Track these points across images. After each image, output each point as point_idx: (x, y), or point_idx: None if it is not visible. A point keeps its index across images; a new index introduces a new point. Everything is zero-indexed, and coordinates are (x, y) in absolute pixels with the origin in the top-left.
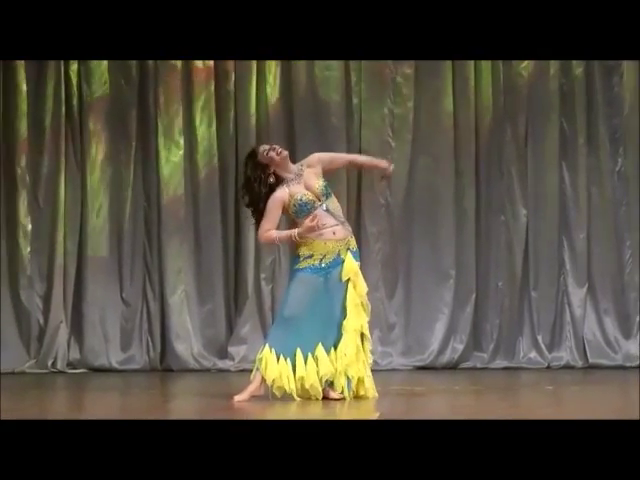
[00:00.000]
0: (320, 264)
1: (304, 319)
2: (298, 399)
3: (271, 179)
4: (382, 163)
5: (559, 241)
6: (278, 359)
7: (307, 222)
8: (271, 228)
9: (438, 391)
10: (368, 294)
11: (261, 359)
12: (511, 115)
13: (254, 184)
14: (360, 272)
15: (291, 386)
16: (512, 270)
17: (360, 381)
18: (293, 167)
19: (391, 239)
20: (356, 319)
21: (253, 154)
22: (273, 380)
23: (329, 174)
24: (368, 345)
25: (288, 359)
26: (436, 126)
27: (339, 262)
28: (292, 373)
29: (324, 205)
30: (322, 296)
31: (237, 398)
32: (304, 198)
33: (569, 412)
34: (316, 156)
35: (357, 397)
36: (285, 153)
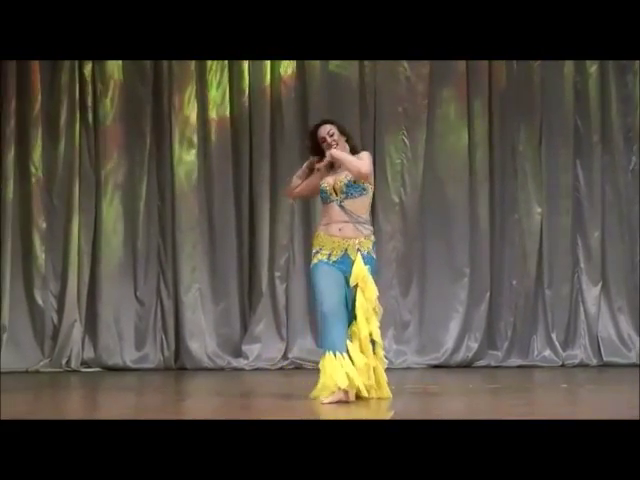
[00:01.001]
0: (328, 260)
1: (342, 308)
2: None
3: (325, 162)
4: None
5: (573, 239)
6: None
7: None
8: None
9: (452, 390)
10: (379, 297)
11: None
12: (525, 113)
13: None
14: (369, 276)
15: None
16: (526, 268)
17: (371, 387)
18: None
19: (405, 238)
20: (365, 325)
21: (314, 133)
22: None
23: None
24: (381, 351)
25: (344, 353)
26: (450, 125)
27: (349, 262)
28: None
29: (339, 201)
30: (340, 289)
31: (325, 400)
32: (323, 186)
33: (584, 411)
34: (362, 154)
35: (363, 398)
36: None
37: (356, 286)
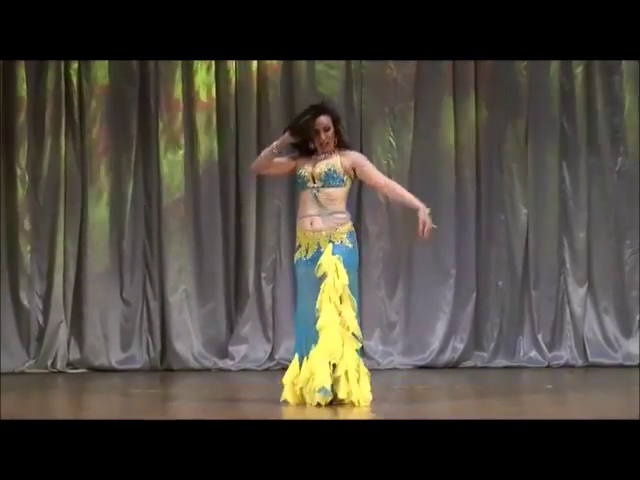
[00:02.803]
0: (306, 256)
1: (311, 319)
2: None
3: (311, 146)
4: (414, 203)
5: (559, 240)
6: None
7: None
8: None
9: (439, 391)
10: (364, 297)
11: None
12: (512, 114)
13: (296, 132)
14: (340, 264)
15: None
16: (512, 269)
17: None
18: (332, 148)
19: (391, 238)
20: (327, 313)
21: (312, 120)
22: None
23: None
24: (354, 344)
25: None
26: (436, 125)
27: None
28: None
29: (316, 189)
30: (315, 291)
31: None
32: (301, 173)
33: (570, 412)
34: (356, 155)
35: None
36: (327, 149)
37: (325, 275)
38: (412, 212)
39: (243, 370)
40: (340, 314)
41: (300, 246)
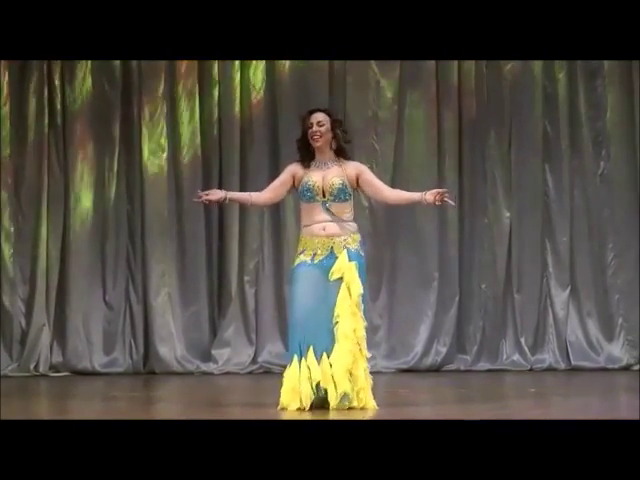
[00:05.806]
0: (312, 261)
1: (310, 319)
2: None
3: (311, 162)
4: (414, 196)
5: (542, 243)
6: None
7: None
8: (270, 189)
9: (422, 394)
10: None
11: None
12: (494, 118)
13: (299, 144)
14: (355, 272)
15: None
16: (495, 273)
17: (361, 391)
18: (331, 156)
19: (374, 242)
20: (347, 323)
21: (306, 119)
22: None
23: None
24: (364, 358)
25: (305, 362)
26: (420, 129)
27: (335, 261)
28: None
29: (327, 203)
30: (318, 293)
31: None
32: (309, 184)
33: (553, 414)
34: (357, 163)
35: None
36: (318, 144)
37: (341, 281)
38: (396, 216)
39: (226, 373)
40: (355, 330)
41: (304, 251)
